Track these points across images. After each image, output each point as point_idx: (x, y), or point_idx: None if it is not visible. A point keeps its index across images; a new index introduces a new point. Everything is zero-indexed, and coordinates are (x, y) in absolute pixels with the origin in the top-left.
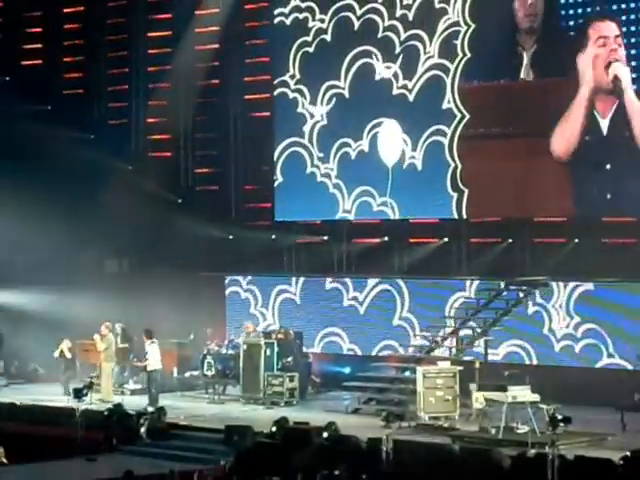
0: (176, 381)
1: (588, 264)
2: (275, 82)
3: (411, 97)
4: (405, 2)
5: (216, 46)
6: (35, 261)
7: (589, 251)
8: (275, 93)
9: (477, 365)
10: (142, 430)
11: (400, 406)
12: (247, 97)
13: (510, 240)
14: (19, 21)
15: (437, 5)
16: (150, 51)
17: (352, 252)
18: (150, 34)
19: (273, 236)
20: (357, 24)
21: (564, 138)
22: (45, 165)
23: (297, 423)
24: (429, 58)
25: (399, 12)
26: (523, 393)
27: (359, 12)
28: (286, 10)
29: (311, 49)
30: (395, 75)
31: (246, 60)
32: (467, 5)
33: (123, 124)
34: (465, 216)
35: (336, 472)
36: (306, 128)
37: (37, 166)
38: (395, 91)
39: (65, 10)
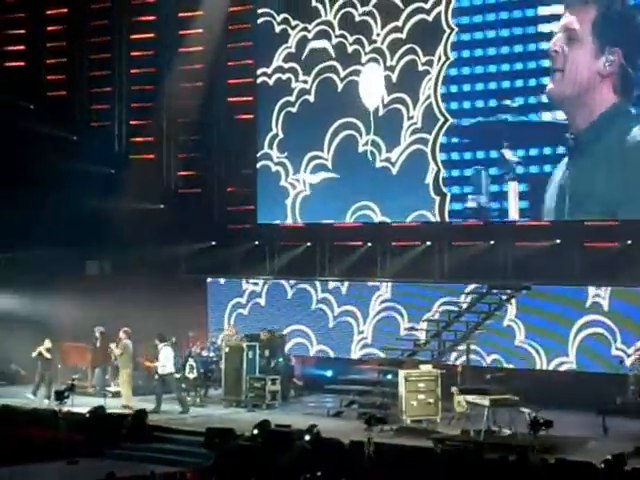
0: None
1: (570, 267)
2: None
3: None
4: (389, 63)
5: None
6: (16, 262)
7: (571, 254)
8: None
9: (459, 368)
10: (124, 432)
11: (382, 409)
12: (230, 99)
13: (492, 242)
14: (2, 23)
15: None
16: (133, 53)
17: (334, 255)
18: (133, 36)
19: (256, 242)
20: (340, 86)
21: None
22: (27, 166)
23: (279, 426)
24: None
25: (383, 73)
26: (504, 396)
27: (342, 74)
28: (269, 70)
29: (294, 109)
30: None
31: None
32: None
33: (106, 126)
34: (447, 219)
35: (318, 475)
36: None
37: (18, 167)
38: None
39: (48, 12)
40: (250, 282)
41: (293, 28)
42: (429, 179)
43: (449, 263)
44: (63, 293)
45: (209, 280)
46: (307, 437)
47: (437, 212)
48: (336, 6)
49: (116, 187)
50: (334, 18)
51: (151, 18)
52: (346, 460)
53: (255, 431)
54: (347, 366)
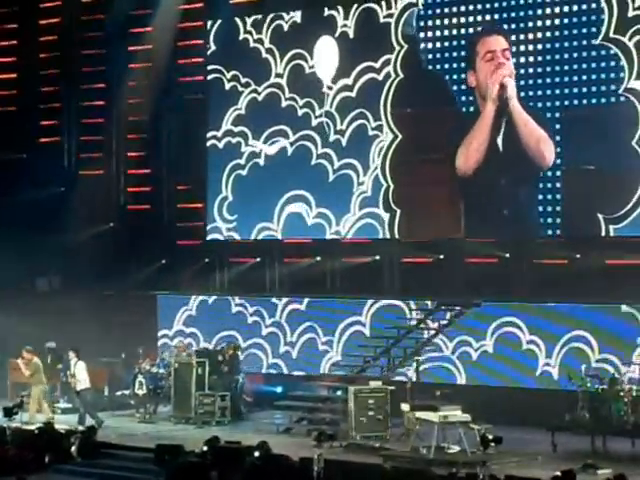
0: (107, 400)
1: (520, 283)
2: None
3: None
4: (339, 127)
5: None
6: None
7: (520, 270)
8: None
9: (409, 385)
10: (73, 449)
11: (332, 426)
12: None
13: (441, 256)
14: None
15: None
16: (84, 69)
17: (284, 271)
18: (84, 52)
19: (207, 260)
20: (290, 150)
21: (469, 157)
22: None
23: (228, 442)
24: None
25: (333, 137)
26: (454, 413)
27: (292, 138)
28: (219, 134)
29: (244, 172)
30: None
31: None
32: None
33: (55, 142)
34: (397, 236)
35: None
36: None
37: None
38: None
39: None
40: (199, 298)
41: (243, 86)
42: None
43: (399, 279)
44: (12, 309)
45: (159, 296)
46: (257, 453)
47: (387, 228)
48: (286, 59)
49: (66, 203)
50: (284, 70)
51: (100, 34)
52: (295, 476)
53: (205, 447)
54: (297, 382)
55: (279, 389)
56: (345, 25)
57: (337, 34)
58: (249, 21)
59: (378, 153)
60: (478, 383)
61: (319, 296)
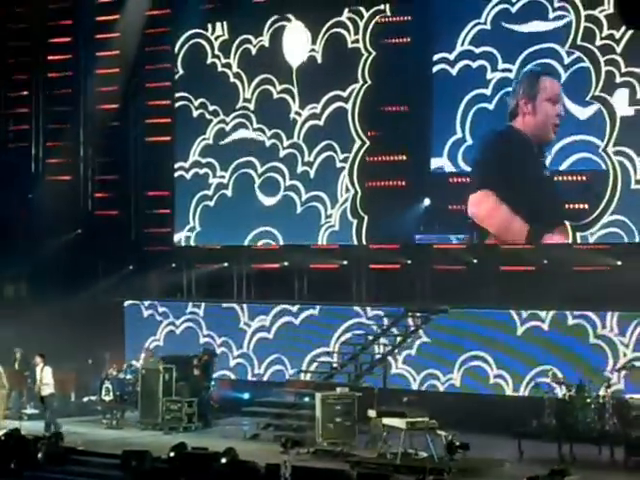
0: (74, 406)
1: (487, 291)
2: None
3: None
4: (306, 159)
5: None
6: None
7: (487, 278)
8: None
9: (376, 391)
10: (39, 455)
11: (299, 432)
12: (148, 121)
13: (409, 261)
14: None
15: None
16: (50, 74)
17: (252, 277)
18: (51, 57)
19: (173, 264)
20: (258, 181)
21: None
22: None
23: (195, 448)
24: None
25: (300, 169)
26: (421, 419)
27: (260, 169)
28: (186, 165)
29: (211, 203)
30: None
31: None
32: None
33: (22, 147)
34: (365, 242)
35: None
36: None
37: None
38: None
39: None
40: (164, 303)
41: (211, 114)
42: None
43: (367, 285)
44: None
45: (126, 302)
46: (224, 460)
47: (354, 235)
48: (254, 84)
49: (33, 209)
50: (251, 95)
51: (68, 40)
52: None
53: (172, 454)
54: (264, 389)
55: (246, 395)
56: (313, 50)
57: (305, 58)
58: (216, 44)
59: (346, 187)
60: (446, 390)
61: (286, 302)
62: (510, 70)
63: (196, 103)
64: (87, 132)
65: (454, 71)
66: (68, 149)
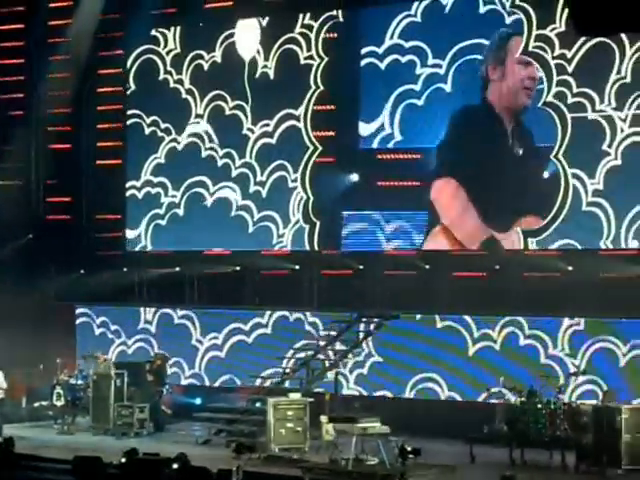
0: (25, 411)
1: (438, 297)
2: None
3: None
4: (259, 179)
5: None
6: None
7: (438, 284)
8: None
9: (327, 396)
10: None
11: (251, 437)
12: (100, 126)
13: (361, 267)
14: None
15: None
16: (2, 79)
17: (203, 282)
18: (2, 61)
19: (125, 269)
20: (210, 200)
21: None
22: None
23: (147, 454)
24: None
25: (252, 189)
26: (373, 425)
27: (212, 189)
28: (138, 184)
29: (163, 222)
30: None
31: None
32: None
33: None
34: (317, 248)
35: None
36: None
37: None
38: None
39: None
40: (116, 320)
41: (163, 131)
42: None
43: (318, 291)
44: None
45: (77, 308)
46: (175, 465)
47: (306, 240)
48: (206, 100)
49: None
50: (204, 111)
51: (20, 44)
52: None
53: (123, 459)
54: (216, 394)
55: (198, 401)
56: (265, 66)
57: (257, 75)
58: (168, 59)
59: (297, 206)
60: (399, 395)
61: (238, 307)
62: (440, 66)
63: (148, 121)
64: (38, 136)
65: (382, 65)
66: (19, 153)
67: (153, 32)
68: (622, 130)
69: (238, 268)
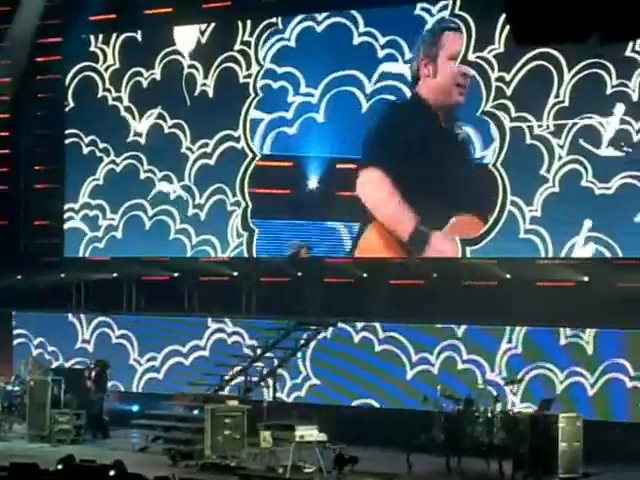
0: None
1: (377, 304)
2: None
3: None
4: (197, 201)
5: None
6: None
7: (376, 291)
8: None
9: (265, 404)
10: None
11: (188, 445)
12: (40, 132)
13: (300, 274)
14: None
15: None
16: None
17: (141, 288)
18: None
19: (62, 274)
20: (148, 224)
21: None
22: None
23: (84, 461)
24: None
25: (191, 212)
26: (310, 432)
27: (150, 212)
28: (76, 206)
29: (101, 245)
30: None
31: None
32: None
33: None
34: (255, 255)
35: None
36: None
37: None
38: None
39: None
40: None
41: (101, 151)
42: None
43: (257, 298)
44: None
45: (14, 313)
46: (112, 472)
47: (245, 247)
48: (145, 118)
49: None
50: (142, 130)
51: None
52: None
53: (59, 466)
54: (154, 401)
55: (135, 407)
56: (205, 84)
57: (197, 93)
58: (107, 76)
59: (237, 233)
60: (336, 403)
61: (176, 314)
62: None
63: (86, 140)
64: None
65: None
66: None
67: (92, 48)
68: (560, 149)
69: (176, 275)
